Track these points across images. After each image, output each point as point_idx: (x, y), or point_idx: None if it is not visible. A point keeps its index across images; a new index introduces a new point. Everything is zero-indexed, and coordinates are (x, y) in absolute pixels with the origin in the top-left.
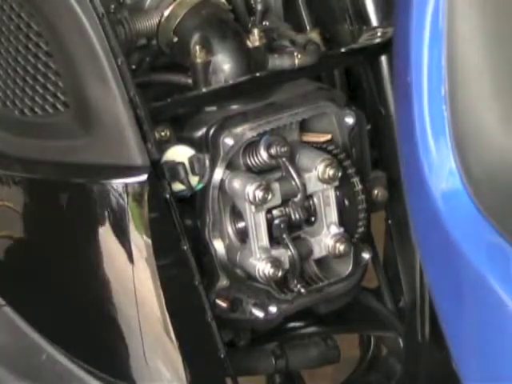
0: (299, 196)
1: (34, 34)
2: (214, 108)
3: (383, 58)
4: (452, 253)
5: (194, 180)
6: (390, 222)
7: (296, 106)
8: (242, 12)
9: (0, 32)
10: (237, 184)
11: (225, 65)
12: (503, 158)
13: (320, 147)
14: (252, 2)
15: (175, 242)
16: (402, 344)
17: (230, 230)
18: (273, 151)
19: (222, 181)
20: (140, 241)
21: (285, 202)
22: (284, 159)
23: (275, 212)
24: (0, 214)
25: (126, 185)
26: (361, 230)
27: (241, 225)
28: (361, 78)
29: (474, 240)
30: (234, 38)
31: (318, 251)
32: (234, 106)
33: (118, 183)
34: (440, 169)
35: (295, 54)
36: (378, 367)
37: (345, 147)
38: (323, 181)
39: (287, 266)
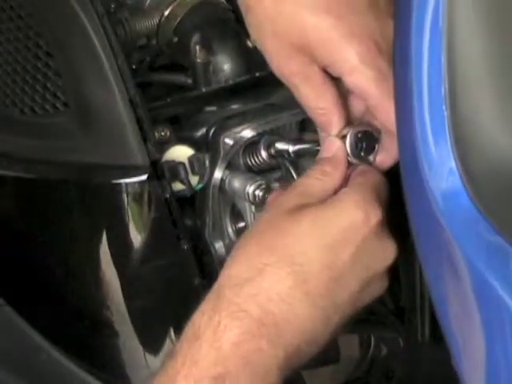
0: None
1: (33, 34)
2: (213, 108)
3: None
4: (452, 252)
5: (193, 180)
6: None
7: (296, 106)
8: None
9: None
10: (237, 184)
11: (225, 65)
12: (504, 157)
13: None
14: None
15: (175, 241)
16: (401, 344)
17: (230, 229)
18: (273, 151)
19: (222, 180)
20: (140, 240)
21: None
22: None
23: None
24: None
25: (126, 184)
26: None
27: (241, 225)
28: None
29: (474, 240)
30: (234, 37)
31: None
32: (234, 106)
33: (117, 183)
34: (440, 168)
35: None
36: (377, 367)
37: None
38: None
39: None
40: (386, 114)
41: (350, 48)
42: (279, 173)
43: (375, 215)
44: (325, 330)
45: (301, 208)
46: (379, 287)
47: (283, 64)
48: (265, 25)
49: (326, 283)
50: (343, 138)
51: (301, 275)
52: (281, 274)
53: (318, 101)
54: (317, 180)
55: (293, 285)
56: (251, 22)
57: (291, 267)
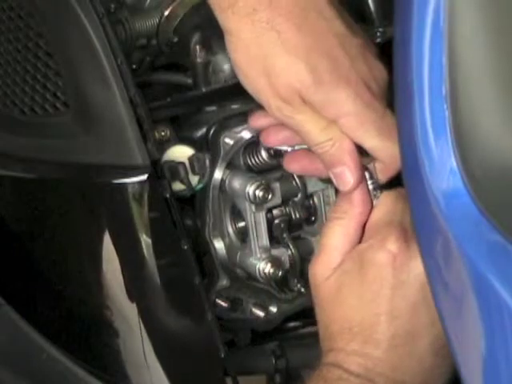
0: (299, 195)
1: (33, 34)
2: (214, 108)
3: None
4: (453, 252)
5: (194, 180)
6: None
7: None
8: None
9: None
10: (237, 184)
11: (225, 65)
12: (505, 157)
13: None
14: None
15: (175, 241)
16: None
17: (230, 229)
18: (273, 151)
19: (222, 180)
20: (140, 240)
21: (285, 201)
22: None
23: (275, 211)
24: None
25: (126, 184)
26: None
27: (241, 224)
28: None
29: (475, 239)
30: None
31: None
32: (234, 106)
33: (117, 183)
34: (441, 168)
35: None
36: None
37: None
38: (323, 180)
39: (287, 265)
40: (387, 154)
41: (345, 92)
42: (279, 173)
43: (393, 244)
44: (412, 361)
45: (332, 275)
46: None
47: (280, 102)
48: (257, 63)
49: (388, 326)
50: None
51: (361, 335)
52: (347, 344)
53: (326, 131)
54: (338, 228)
55: (362, 344)
56: (241, 58)
57: (352, 330)
